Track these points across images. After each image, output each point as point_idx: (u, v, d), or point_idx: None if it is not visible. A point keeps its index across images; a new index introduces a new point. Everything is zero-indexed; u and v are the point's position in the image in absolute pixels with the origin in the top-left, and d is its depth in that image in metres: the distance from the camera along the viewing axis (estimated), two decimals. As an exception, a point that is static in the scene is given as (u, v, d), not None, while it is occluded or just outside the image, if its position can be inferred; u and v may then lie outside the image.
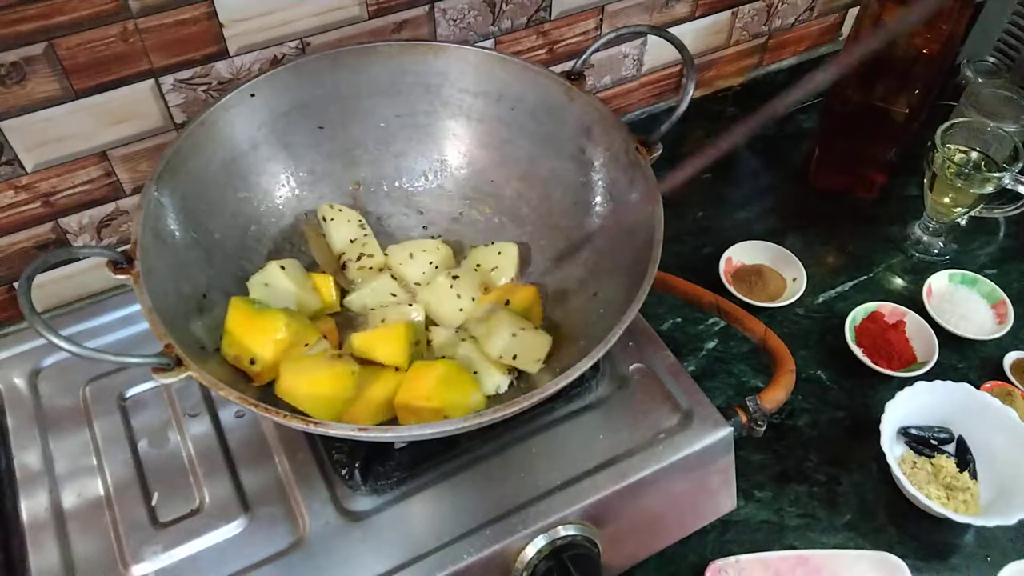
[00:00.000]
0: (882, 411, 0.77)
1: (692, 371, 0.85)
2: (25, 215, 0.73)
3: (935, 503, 0.73)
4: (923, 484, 0.76)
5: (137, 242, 0.56)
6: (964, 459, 0.79)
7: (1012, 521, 0.70)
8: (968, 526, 0.75)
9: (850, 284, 0.97)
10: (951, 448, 0.80)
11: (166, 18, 0.67)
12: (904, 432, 0.80)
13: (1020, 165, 0.89)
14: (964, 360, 0.89)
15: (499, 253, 0.72)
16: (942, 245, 1.00)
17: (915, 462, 0.79)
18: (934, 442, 0.80)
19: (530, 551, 0.60)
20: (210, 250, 0.65)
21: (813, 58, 1.18)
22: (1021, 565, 0.72)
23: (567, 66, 0.92)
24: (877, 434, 0.76)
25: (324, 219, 0.72)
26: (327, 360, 0.60)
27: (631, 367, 0.72)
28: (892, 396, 0.78)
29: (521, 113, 0.73)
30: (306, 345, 0.62)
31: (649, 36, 0.98)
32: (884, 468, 0.76)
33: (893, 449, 0.77)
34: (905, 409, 0.79)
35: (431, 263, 0.71)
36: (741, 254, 0.97)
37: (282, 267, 0.66)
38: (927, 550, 0.74)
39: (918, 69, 0.91)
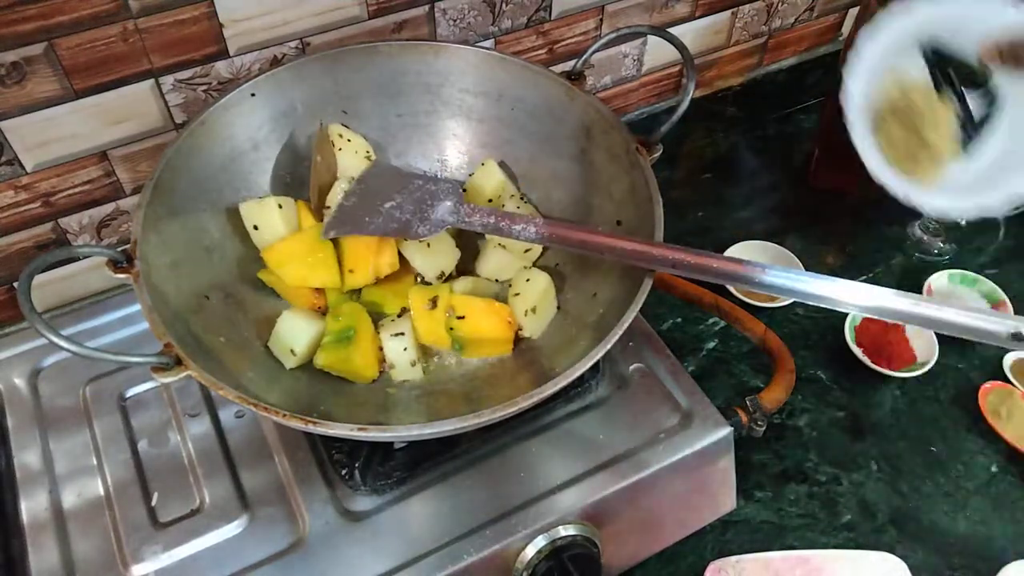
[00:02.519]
0: (882, 411, 0.76)
1: (692, 371, 0.85)
2: (25, 215, 0.73)
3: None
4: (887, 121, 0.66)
5: (137, 242, 0.56)
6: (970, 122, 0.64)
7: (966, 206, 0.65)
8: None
9: (850, 284, 0.97)
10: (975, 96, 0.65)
11: (166, 18, 0.67)
12: (934, 50, 0.64)
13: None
14: (964, 360, 0.89)
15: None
16: (942, 245, 1.00)
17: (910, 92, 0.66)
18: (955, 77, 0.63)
19: (530, 551, 0.61)
20: (210, 250, 0.65)
21: (813, 58, 1.18)
22: (1021, 565, 0.72)
23: (567, 66, 0.92)
24: (878, 435, 0.76)
25: (334, 143, 0.71)
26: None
27: (631, 367, 0.72)
28: (892, 396, 0.78)
29: (521, 113, 0.73)
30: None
31: (649, 36, 0.98)
32: (883, 468, 0.76)
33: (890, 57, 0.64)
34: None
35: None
36: (741, 254, 0.97)
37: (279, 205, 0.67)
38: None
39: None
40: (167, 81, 0.71)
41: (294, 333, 0.63)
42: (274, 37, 0.74)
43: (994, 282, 0.94)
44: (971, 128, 0.67)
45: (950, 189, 0.68)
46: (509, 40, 0.88)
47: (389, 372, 0.65)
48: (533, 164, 0.74)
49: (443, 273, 0.69)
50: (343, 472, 0.63)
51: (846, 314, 0.89)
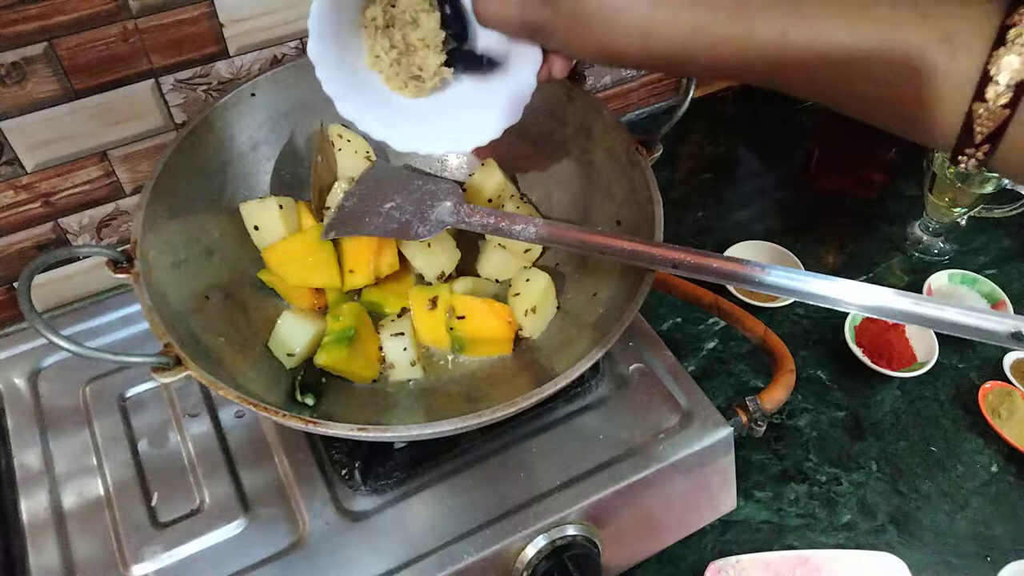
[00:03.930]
0: (882, 411, 0.77)
1: (692, 371, 0.85)
2: (25, 215, 0.73)
3: None
4: None
5: (137, 242, 0.56)
6: None
7: None
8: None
9: (850, 284, 0.97)
10: None
11: (166, 18, 0.67)
12: None
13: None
14: (964, 360, 0.89)
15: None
16: (942, 245, 1.00)
17: None
18: None
19: (530, 551, 0.60)
20: (210, 250, 0.65)
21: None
22: (1021, 565, 0.72)
23: (567, 66, 0.91)
24: (878, 435, 0.76)
25: (334, 143, 0.71)
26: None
27: (631, 367, 0.72)
28: (892, 396, 0.78)
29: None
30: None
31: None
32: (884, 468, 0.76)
33: None
34: None
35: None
36: (741, 254, 0.97)
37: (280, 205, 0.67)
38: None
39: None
40: (167, 81, 0.71)
41: (294, 333, 0.63)
42: (274, 37, 0.74)
43: (994, 282, 0.94)
44: (456, 41, 0.53)
45: (421, 117, 0.56)
46: (509, 40, 0.88)
47: (389, 372, 0.65)
48: (533, 164, 0.74)
49: (443, 273, 0.69)
50: (343, 472, 0.63)
51: (846, 314, 0.89)
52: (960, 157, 0.38)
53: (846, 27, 0.38)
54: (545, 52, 0.51)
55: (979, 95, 0.35)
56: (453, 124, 0.56)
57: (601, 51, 0.43)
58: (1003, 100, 0.34)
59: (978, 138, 0.36)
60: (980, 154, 0.37)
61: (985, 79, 0.34)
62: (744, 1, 0.40)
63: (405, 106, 0.56)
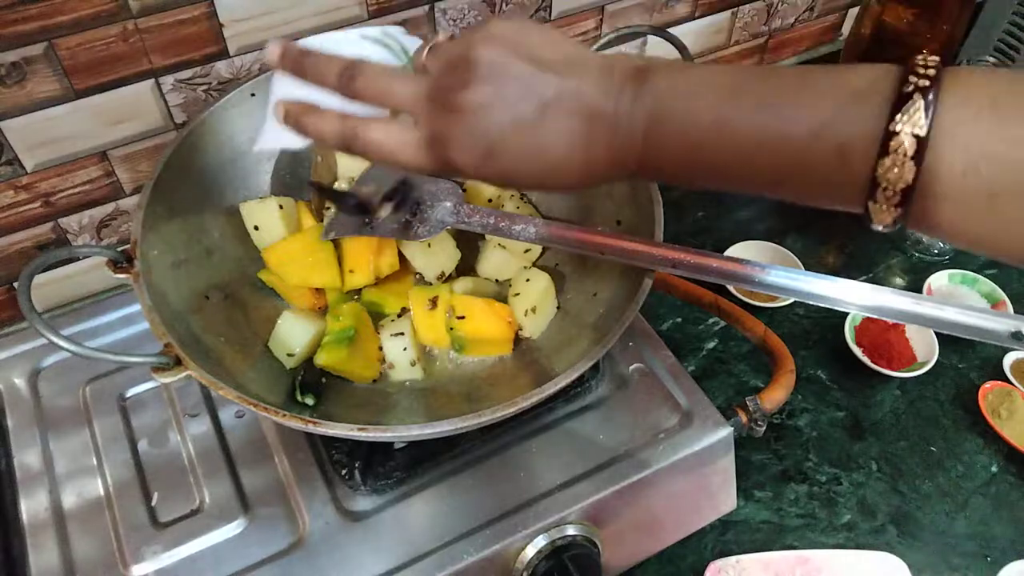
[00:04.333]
0: (882, 411, 0.77)
1: (692, 371, 0.85)
2: (25, 215, 0.73)
3: None
4: None
5: (137, 242, 0.56)
6: None
7: None
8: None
9: (850, 284, 0.97)
10: None
11: (166, 18, 0.67)
12: None
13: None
14: (964, 360, 0.89)
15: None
16: (942, 245, 1.00)
17: None
18: None
19: (530, 551, 0.60)
20: (210, 250, 0.65)
21: (813, 58, 1.18)
22: (1021, 565, 0.72)
23: (567, 66, 0.91)
24: (878, 435, 0.76)
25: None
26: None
27: (631, 367, 0.72)
28: (892, 396, 0.78)
29: (521, 113, 0.73)
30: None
31: (649, 36, 0.98)
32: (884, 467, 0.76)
33: None
34: None
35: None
36: (741, 254, 0.97)
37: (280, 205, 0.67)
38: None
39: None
40: (167, 81, 0.71)
41: (294, 333, 0.63)
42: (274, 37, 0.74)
43: (994, 282, 0.94)
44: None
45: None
46: (509, 40, 0.88)
47: (389, 372, 0.65)
48: (533, 164, 0.74)
49: (443, 273, 0.69)
50: (343, 472, 0.62)
51: (846, 314, 0.89)
52: (872, 224, 0.38)
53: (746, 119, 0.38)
54: None
55: (883, 154, 0.34)
56: None
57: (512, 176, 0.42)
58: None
59: (889, 198, 0.35)
60: (890, 218, 0.36)
61: (888, 135, 0.33)
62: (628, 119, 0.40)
63: None
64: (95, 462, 0.66)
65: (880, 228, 0.37)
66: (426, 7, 0.80)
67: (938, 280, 0.95)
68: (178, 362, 0.51)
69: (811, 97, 0.36)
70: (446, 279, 0.69)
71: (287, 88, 0.47)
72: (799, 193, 0.39)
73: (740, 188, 0.40)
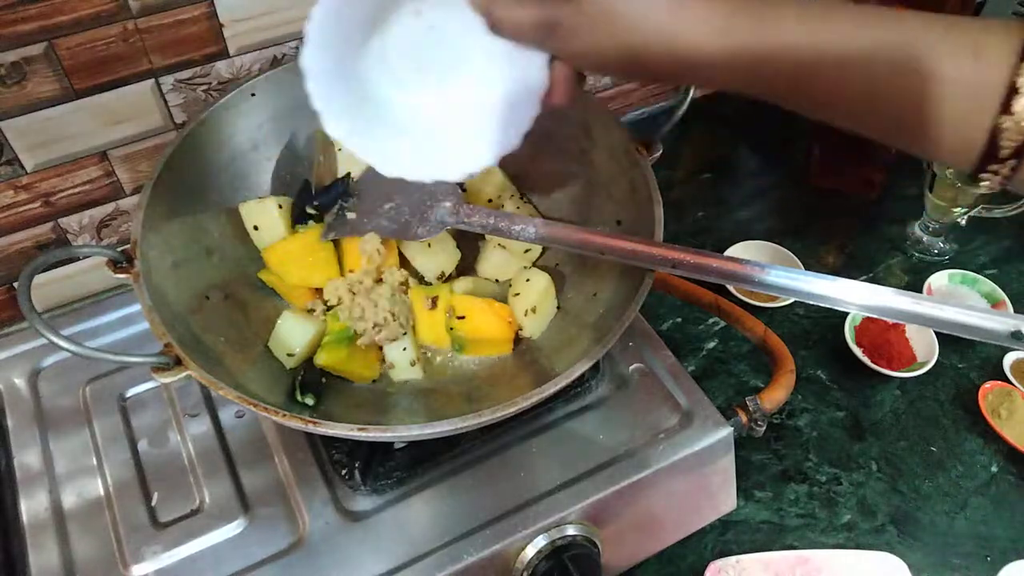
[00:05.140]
0: (882, 411, 0.76)
1: (692, 371, 0.85)
2: (25, 215, 0.73)
3: None
4: None
5: (137, 242, 0.56)
6: None
7: None
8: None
9: (850, 284, 0.97)
10: None
11: (166, 18, 0.67)
12: None
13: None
14: (964, 360, 0.89)
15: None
16: (942, 245, 1.00)
17: None
18: None
19: (530, 551, 0.60)
20: (210, 250, 0.65)
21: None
22: (1021, 565, 0.72)
23: (567, 66, 0.91)
24: (878, 435, 0.76)
25: (334, 143, 0.70)
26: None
27: (631, 367, 0.72)
28: (892, 396, 0.77)
29: (521, 113, 0.73)
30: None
31: None
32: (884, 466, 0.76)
33: None
34: None
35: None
36: (741, 254, 0.97)
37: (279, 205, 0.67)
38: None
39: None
40: (167, 81, 0.71)
41: (294, 333, 0.63)
42: (274, 37, 0.74)
43: (994, 282, 0.94)
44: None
45: (416, 141, 0.54)
46: (509, 40, 0.88)
47: (389, 372, 0.65)
48: (533, 164, 0.74)
49: (443, 273, 0.69)
50: (343, 472, 0.62)
51: (846, 314, 0.89)
52: (983, 174, 0.36)
53: (876, 34, 0.36)
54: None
55: (1006, 108, 0.33)
56: (447, 150, 0.54)
57: (622, 52, 0.41)
58: None
59: (1004, 153, 0.34)
60: (1006, 170, 0.35)
61: (1012, 92, 0.33)
62: (774, 2, 0.39)
63: (403, 127, 0.53)
64: (95, 462, 0.66)
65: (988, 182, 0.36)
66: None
67: (938, 280, 0.95)
68: (178, 362, 0.51)
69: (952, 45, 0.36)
70: (446, 279, 0.69)
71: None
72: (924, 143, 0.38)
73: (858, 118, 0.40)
